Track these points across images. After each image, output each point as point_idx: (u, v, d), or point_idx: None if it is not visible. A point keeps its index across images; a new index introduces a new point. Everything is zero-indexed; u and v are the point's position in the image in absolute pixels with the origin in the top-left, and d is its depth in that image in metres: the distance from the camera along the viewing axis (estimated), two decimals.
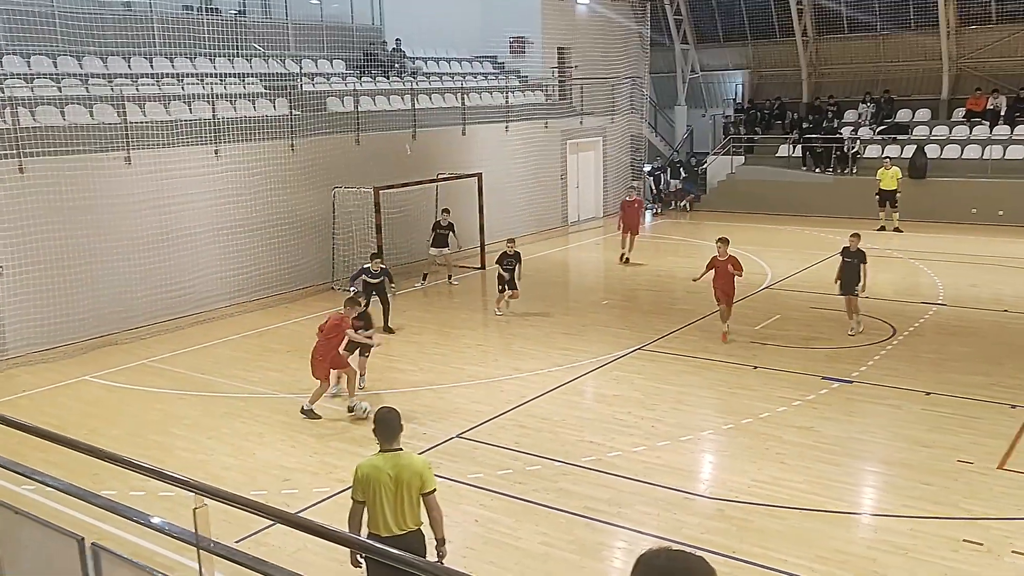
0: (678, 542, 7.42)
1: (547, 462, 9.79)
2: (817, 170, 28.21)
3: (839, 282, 14.56)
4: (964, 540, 7.79)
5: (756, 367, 12.99)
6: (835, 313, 15.21)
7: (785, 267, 19.96)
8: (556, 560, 7.76)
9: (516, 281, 16.35)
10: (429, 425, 10.98)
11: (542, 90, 27.12)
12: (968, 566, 7.41)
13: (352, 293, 12.75)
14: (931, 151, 26.67)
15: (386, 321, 15.11)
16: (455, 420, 11.16)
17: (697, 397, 11.95)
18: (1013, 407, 11.05)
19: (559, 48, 27.59)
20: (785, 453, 9.85)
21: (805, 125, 29.39)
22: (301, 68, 20.90)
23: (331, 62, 22.66)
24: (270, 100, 19.29)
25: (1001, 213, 24.62)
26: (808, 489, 8.95)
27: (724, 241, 14.55)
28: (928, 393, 11.70)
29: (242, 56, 19.98)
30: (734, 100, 33.24)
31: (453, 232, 18.75)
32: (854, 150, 27.87)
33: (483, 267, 20.44)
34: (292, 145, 18.42)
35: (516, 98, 25.67)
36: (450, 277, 19.35)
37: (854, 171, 27.54)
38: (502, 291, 16.41)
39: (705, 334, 14.74)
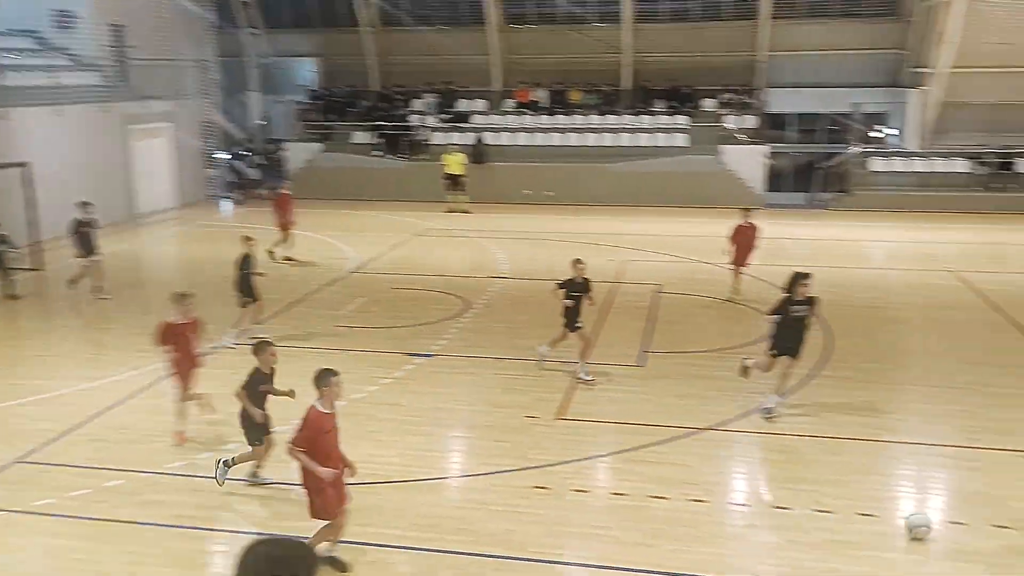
0: (274, 535, 7.35)
1: (130, 475, 9.07)
2: (390, 156, 29.44)
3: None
4: (534, 487, 8.76)
5: (345, 351, 13.26)
6: (415, 292, 16.06)
7: (367, 251, 20.58)
8: None
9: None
10: None
11: (98, 71, 24.74)
12: (537, 509, 8.35)
13: None
14: (489, 138, 29.25)
15: None
16: (14, 443, 9.84)
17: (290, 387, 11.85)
18: (567, 363, 12.61)
19: (113, 25, 25.34)
20: (379, 430, 10.22)
21: (377, 113, 30.50)
22: None
23: None
24: None
25: (551, 193, 27.82)
26: (401, 462, 9.39)
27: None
28: (500, 359, 12.90)
29: None
30: (308, 88, 33.33)
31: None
32: (423, 137, 29.58)
33: (39, 268, 18.19)
34: None
35: (68, 78, 23.12)
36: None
37: (424, 157, 29.24)
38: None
39: (296, 321, 14.69)
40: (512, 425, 10.41)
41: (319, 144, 30.31)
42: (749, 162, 27.44)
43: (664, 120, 29.19)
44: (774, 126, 29.85)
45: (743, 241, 15.99)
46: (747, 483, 9.28)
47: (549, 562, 7.49)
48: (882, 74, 29.52)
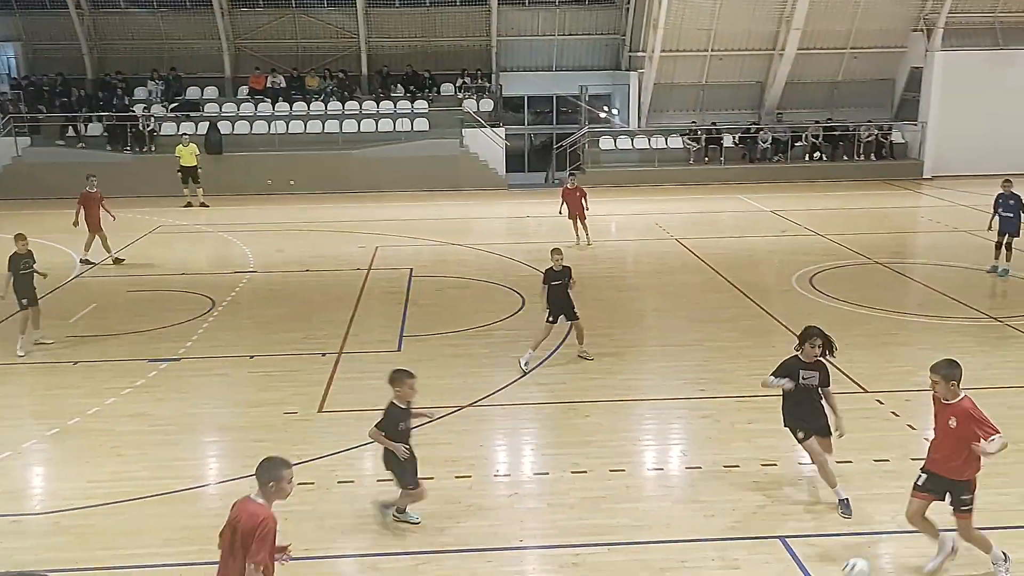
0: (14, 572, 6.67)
1: None
2: (109, 148, 27.23)
3: (548, 310, 11.98)
4: (299, 484, 8.50)
5: (76, 362, 12.19)
6: (154, 293, 15.06)
7: (94, 253, 18.95)
8: None
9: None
10: None
11: None
12: (305, 505, 8.16)
13: None
14: (223, 127, 27.88)
15: None
16: None
17: (10, 408, 10.74)
18: (324, 355, 12.41)
19: None
20: (121, 445, 9.51)
21: (96, 103, 28.07)
22: None
23: None
24: None
25: (292, 183, 27.06)
26: (150, 475, 8.80)
27: None
28: (252, 356, 12.43)
29: None
30: (8, 75, 29.99)
31: None
32: (150, 128, 27.64)
33: None
34: None
35: None
36: None
37: (152, 149, 27.35)
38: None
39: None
40: (271, 423, 10.08)
41: (27, 138, 27.41)
42: (489, 145, 28.25)
43: (404, 105, 29.31)
44: (511, 109, 30.96)
45: (572, 200, 19.43)
46: (508, 454, 9.63)
47: (321, 557, 7.37)
48: (605, 58, 31.50)
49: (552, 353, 12.33)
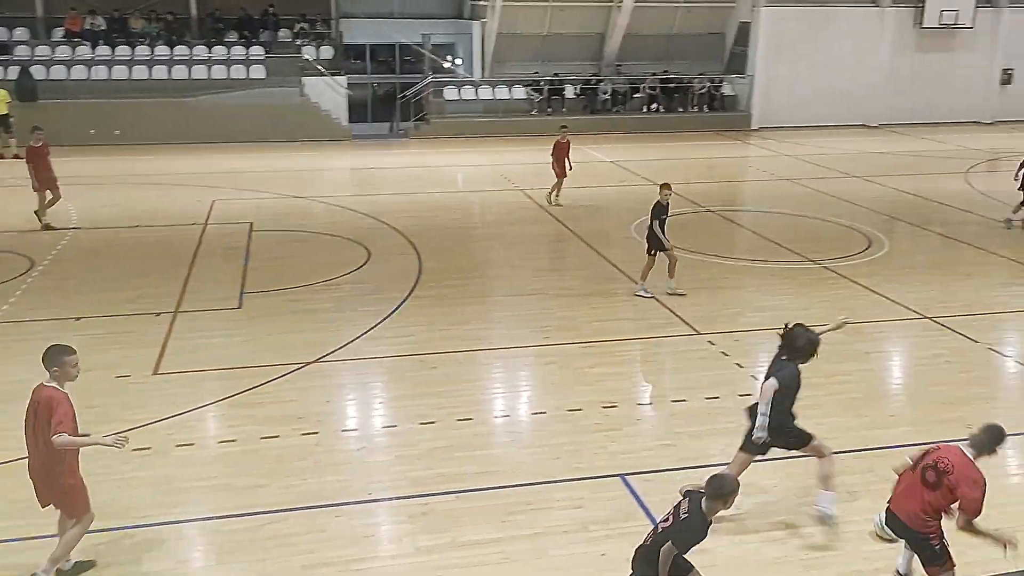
0: None
1: None
2: None
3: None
4: (134, 450, 8.16)
5: None
6: None
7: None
8: None
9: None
10: None
11: None
12: (141, 471, 7.83)
13: None
14: (37, 72, 25.76)
15: None
16: None
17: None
18: (158, 315, 11.85)
19: None
20: None
21: None
22: None
23: None
24: None
25: (118, 132, 25.41)
26: None
27: None
28: (78, 318, 11.71)
29: None
30: None
31: None
32: None
33: None
34: None
35: None
36: None
37: None
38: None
39: None
40: (101, 388, 9.55)
41: None
42: (331, 94, 27.46)
43: (238, 52, 27.97)
44: (352, 57, 30.14)
45: (559, 154, 18.54)
46: (355, 409, 9.56)
47: (162, 523, 7.11)
48: (449, 6, 31.12)
49: (398, 307, 12.28)
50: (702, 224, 17.61)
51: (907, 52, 31.12)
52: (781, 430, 6.80)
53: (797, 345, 6.79)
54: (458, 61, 31.48)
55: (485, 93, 29.66)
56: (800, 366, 6.80)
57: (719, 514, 5.55)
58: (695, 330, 11.49)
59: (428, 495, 7.53)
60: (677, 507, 5.56)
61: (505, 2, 28.44)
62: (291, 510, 7.31)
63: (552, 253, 15.41)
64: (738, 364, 10.44)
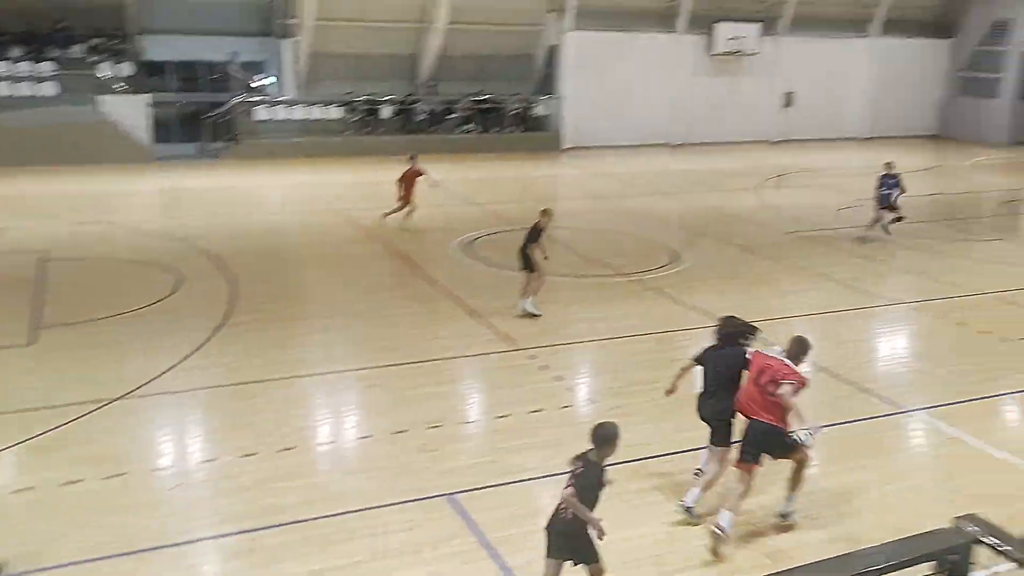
0: None
1: None
2: None
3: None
4: None
5: None
6: None
7: None
8: None
9: None
10: None
11: None
12: None
13: None
14: None
15: None
16: None
17: None
18: None
19: None
20: None
21: None
22: None
23: None
24: None
25: None
26: None
27: None
28: None
29: None
30: None
31: None
32: None
33: None
34: None
35: None
36: None
37: None
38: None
39: None
40: None
41: None
42: (131, 113, 26.05)
43: (25, 67, 25.97)
44: (154, 74, 28.70)
45: (408, 180, 18.03)
46: (169, 445, 9.08)
47: None
48: (256, 23, 30.28)
49: (213, 335, 11.79)
50: (519, 242, 18.02)
51: (702, 76, 33.28)
52: (726, 416, 7.54)
53: (729, 332, 7.82)
54: (270, 80, 30.69)
55: (299, 113, 29.09)
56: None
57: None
58: (516, 345, 11.74)
59: (253, 530, 7.26)
60: (572, 471, 5.84)
61: (316, 21, 28.05)
62: (89, 561, 6.82)
63: (373, 274, 15.30)
64: (558, 376, 10.76)
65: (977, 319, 13.22)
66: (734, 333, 7.77)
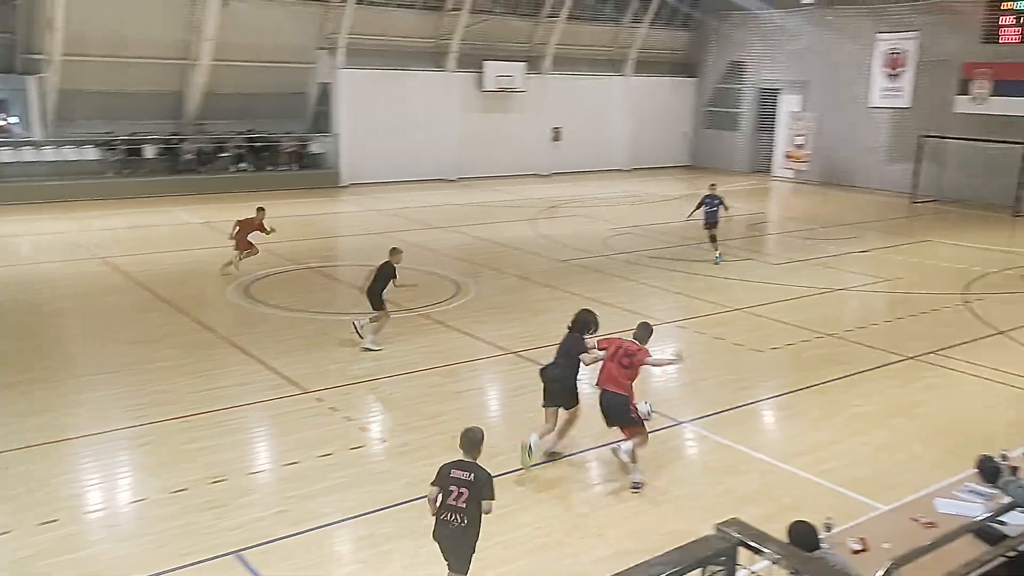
0: None
1: None
2: None
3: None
4: None
5: None
6: None
7: None
8: None
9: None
10: None
11: None
12: None
13: None
14: None
15: None
16: None
17: None
18: None
19: None
20: None
21: None
22: None
23: None
24: None
25: None
26: None
27: None
28: None
29: None
30: None
31: None
32: None
33: None
34: None
35: None
36: None
37: None
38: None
39: None
40: None
41: None
42: None
43: None
44: None
45: (246, 228, 17.63)
46: None
47: None
48: None
49: None
50: (301, 281, 17.67)
51: (473, 112, 34.20)
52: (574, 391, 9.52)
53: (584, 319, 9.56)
54: (13, 119, 28.16)
55: (50, 154, 26.90)
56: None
57: None
58: (302, 388, 11.45)
59: None
60: (459, 481, 6.33)
61: (63, 57, 26.16)
62: None
63: (143, 324, 14.37)
64: (347, 417, 10.61)
65: (732, 333, 14.46)
66: (583, 323, 9.55)
